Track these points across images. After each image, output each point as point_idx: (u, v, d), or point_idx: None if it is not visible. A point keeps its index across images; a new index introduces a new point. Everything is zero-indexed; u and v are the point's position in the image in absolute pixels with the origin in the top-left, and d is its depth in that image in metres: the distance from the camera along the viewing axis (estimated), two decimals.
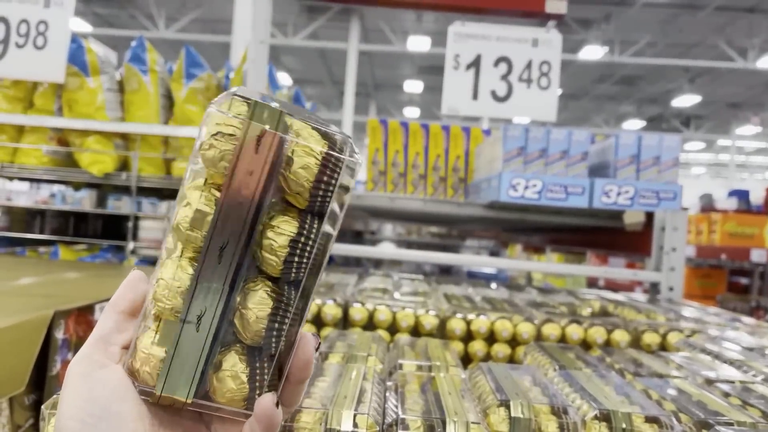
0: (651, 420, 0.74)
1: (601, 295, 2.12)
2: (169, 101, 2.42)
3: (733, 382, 0.95)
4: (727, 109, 15.85)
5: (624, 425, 0.73)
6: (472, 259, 2.81)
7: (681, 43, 11.81)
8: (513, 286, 2.17)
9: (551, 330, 1.40)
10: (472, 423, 0.68)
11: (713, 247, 6.11)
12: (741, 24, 10.68)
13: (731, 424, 0.73)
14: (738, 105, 15.44)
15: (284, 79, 13.81)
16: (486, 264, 2.69)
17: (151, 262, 2.38)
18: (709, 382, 0.94)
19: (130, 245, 2.36)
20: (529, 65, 2.35)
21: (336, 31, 11.37)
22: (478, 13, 2.53)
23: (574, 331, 1.40)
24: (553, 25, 2.33)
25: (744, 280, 6.77)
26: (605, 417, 0.74)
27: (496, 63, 2.34)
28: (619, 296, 2.18)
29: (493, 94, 2.38)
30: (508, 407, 0.74)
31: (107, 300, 1.46)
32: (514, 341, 1.39)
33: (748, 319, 1.72)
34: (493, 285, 2.14)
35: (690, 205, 8.91)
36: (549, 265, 4.43)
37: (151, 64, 2.33)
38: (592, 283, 6.72)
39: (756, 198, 7.95)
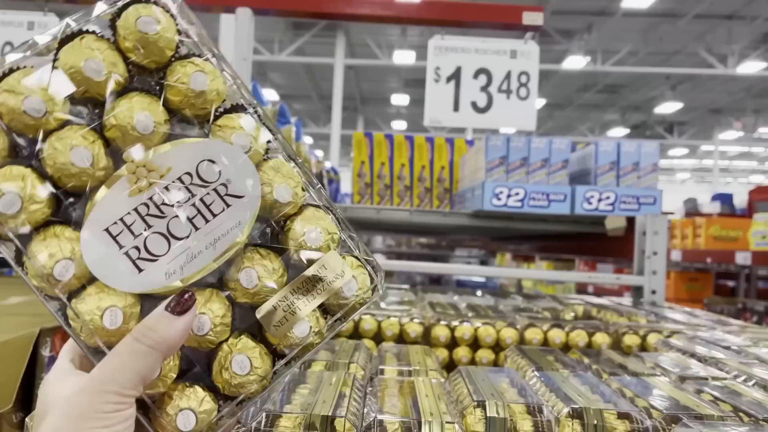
0: (622, 416, 0.76)
1: (585, 300, 2.15)
2: None
3: (706, 378, 0.97)
4: (709, 114, 16.06)
5: (596, 422, 0.75)
6: (458, 267, 2.83)
7: (662, 52, 11.99)
8: (499, 294, 2.20)
9: (534, 334, 1.42)
10: (447, 423, 0.70)
11: (699, 251, 6.17)
12: (720, 31, 10.87)
13: (700, 418, 0.76)
14: (719, 110, 15.65)
15: (271, 95, 13.86)
16: (472, 272, 2.72)
17: None
18: (683, 380, 0.96)
19: None
20: (508, 76, 2.40)
21: (322, 47, 11.45)
22: (459, 27, 2.58)
23: (556, 335, 1.42)
24: (530, 37, 2.37)
25: (730, 283, 6.84)
26: (578, 414, 0.76)
27: (476, 75, 2.38)
28: (603, 300, 2.21)
29: (474, 106, 2.42)
30: (484, 407, 0.76)
31: None
32: (497, 347, 1.41)
33: (733, 321, 1.75)
34: (479, 292, 2.16)
35: (675, 210, 9.00)
36: (533, 271, 4.46)
37: None
38: (581, 290, 6.76)
39: (739, 201, 8.05)
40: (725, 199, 8.13)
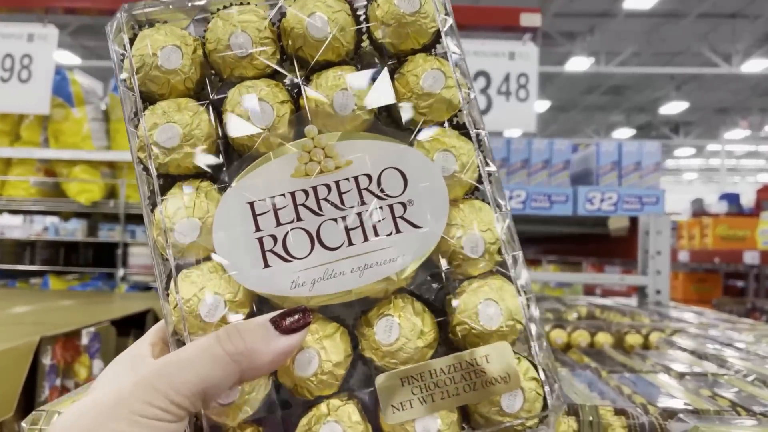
0: (619, 412, 0.76)
1: (589, 301, 2.14)
2: None
3: (705, 375, 0.96)
4: (714, 114, 15.98)
5: (591, 418, 0.74)
6: None
7: (665, 52, 11.95)
8: None
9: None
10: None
11: (707, 251, 6.13)
12: (724, 30, 10.82)
13: (696, 413, 0.75)
14: (725, 110, 15.57)
15: None
16: None
17: (142, 288, 2.39)
18: (682, 376, 0.96)
19: (120, 272, 2.37)
20: (507, 78, 2.40)
21: None
22: (457, 29, 2.58)
23: (558, 336, 1.42)
24: (529, 38, 2.37)
25: (739, 283, 6.78)
26: (574, 411, 0.76)
27: (475, 77, 2.38)
28: (607, 301, 2.20)
29: None
30: None
31: (95, 325, 1.47)
32: None
33: (738, 319, 1.74)
34: None
35: (682, 211, 8.95)
36: (536, 273, 4.44)
37: None
38: (589, 293, 6.73)
39: (747, 201, 8.01)
40: (732, 198, 8.08)
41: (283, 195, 0.40)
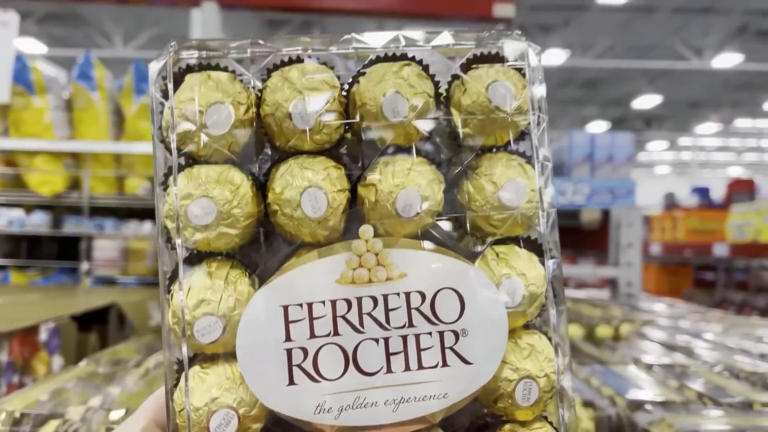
0: (587, 404, 0.74)
1: None
2: (119, 118, 2.39)
3: (672, 366, 0.96)
4: (686, 108, 16.22)
5: None
6: None
7: (639, 46, 12.08)
8: None
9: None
10: None
11: (677, 244, 6.22)
12: (696, 25, 10.97)
13: (663, 404, 0.74)
14: (697, 104, 15.81)
15: None
16: None
17: (106, 282, 2.33)
18: (650, 367, 0.95)
19: (84, 266, 2.31)
20: None
21: None
22: (431, 19, 2.56)
23: None
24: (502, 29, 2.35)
25: (709, 275, 6.89)
26: None
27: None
28: (579, 293, 2.20)
29: None
30: None
31: (54, 320, 1.41)
32: None
33: (707, 311, 1.75)
34: None
35: (655, 204, 9.07)
36: None
37: (99, 81, 2.29)
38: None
39: (717, 194, 8.14)
40: (703, 192, 8.21)
41: (323, 303, 0.35)
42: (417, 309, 0.36)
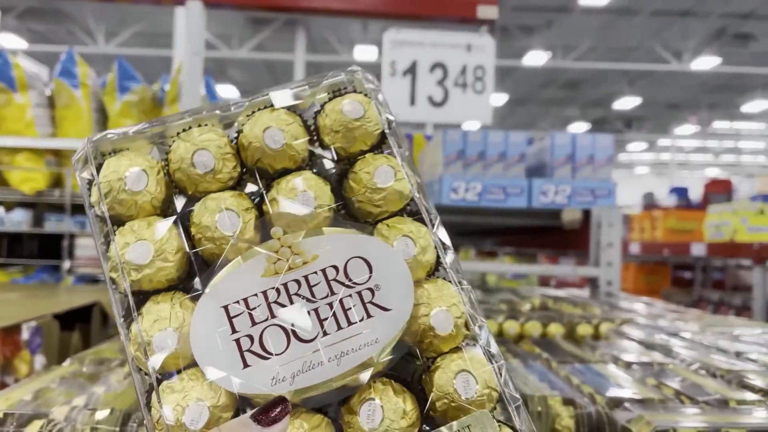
0: (567, 402, 0.76)
1: (542, 293, 2.17)
2: (102, 115, 2.37)
3: (651, 364, 0.98)
4: (665, 110, 16.43)
5: (540, 408, 0.74)
6: None
7: (620, 48, 12.21)
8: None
9: (489, 326, 1.42)
10: None
11: (656, 244, 6.31)
12: (675, 28, 11.12)
13: (641, 402, 0.76)
14: (676, 106, 16.03)
15: (230, 91, 13.69)
16: None
17: (89, 280, 2.32)
18: (629, 366, 0.97)
19: (66, 264, 2.29)
20: (463, 70, 2.40)
21: (282, 43, 11.35)
22: (415, 20, 2.57)
23: (511, 326, 1.43)
24: (486, 30, 2.38)
25: (687, 274, 7.00)
26: (523, 402, 0.76)
27: (432, 69, 2.38)
28: (560, 292, 2.23)
29: (430, 100, 2.41)
30: None
31: (36, 319, 1.40)
32: None
33: (684, 310, 1.78)
34: None
35: (634, 204, 9.19)
36: (489, 264, 4.50)
37: (82, 78, 2.28)
38: (544, 283, 6.85)
39: (695, 195, 8.27)
40: (681, 192, 8.33)
41: (256, 295, 0.42)
42: (334, 279, 0.43)
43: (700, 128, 17.02)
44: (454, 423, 0.41)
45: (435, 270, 0.47)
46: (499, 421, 0.42)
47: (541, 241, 3.19)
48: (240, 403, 0.40)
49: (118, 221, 0.45)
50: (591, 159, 2.48)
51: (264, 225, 0.45)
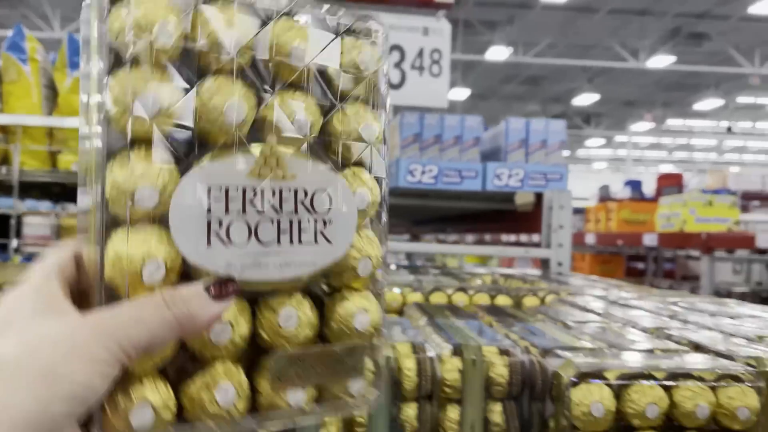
0: (503, 352, 0.79)
1: (494, 271, 2.22)
2: (52, 92, 2.32)
3: (587, 322, 1.02)
4: (622, 106, 16.83)
5: (475, 357, 0.77)
6: None
7: (579, 45, 12.44)
8: (419, 272, 2.23)
9: (438, 298, 1.45)
10: None
11: (611, 234, 6.47)
12: (632, 26, 11.38)
13: (572, 349, 0.80)
14: (632, 103, 16.43)
15: None
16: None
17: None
18: (566, 325, 1.01)
19: (14, 243, 2.24)
20: (420, 53, 2.42)
21: None
22: (373, 2, 2.58)
23: (460, 299, 1.46)
24: (443, 15, 2.40)
25: (640, 265, 7.20)
26: (459, 351, 0.78)
27: (390, 51, 2.40)
28: (511, 271, 2.28)
29: (387, 81, 2.43)
30: None
31: None
32: (403, 313, 1.43)
33: (628, 284, 1.84)
34: (393, 266, 2.18)
35: (591, 197, 9.39)
36: (442, 246, 4.55)
37: (30, 53, 2.22)
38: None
39: (648, 189, 8.50)
40: (635, 185, 8.56)
41: (236, 188, 0.45)
42: (301, 202, 0.48)
43: (654, 125, 17.47)
44: (340, 344, 0.49)
45: (371, 223, 0.52)
46: (370, 353, 0.51)
47: (494, 225, 3.25)
48: (183, 272, 0.44)
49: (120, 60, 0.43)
50: (544, 144, 2.54)
51: (260, 127, 0.47)
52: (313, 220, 0.48)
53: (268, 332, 0.46)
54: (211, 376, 0.44)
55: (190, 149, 0.45)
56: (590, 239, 6.71)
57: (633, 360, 0.76)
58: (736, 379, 0.72)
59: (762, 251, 5.08)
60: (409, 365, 0.77)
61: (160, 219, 0.43)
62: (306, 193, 0.48)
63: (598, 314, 1.14)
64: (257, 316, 0.47)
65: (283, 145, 0.47)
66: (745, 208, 7.19)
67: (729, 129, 16.85)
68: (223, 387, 0.44)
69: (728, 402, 0.71)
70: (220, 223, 0.44)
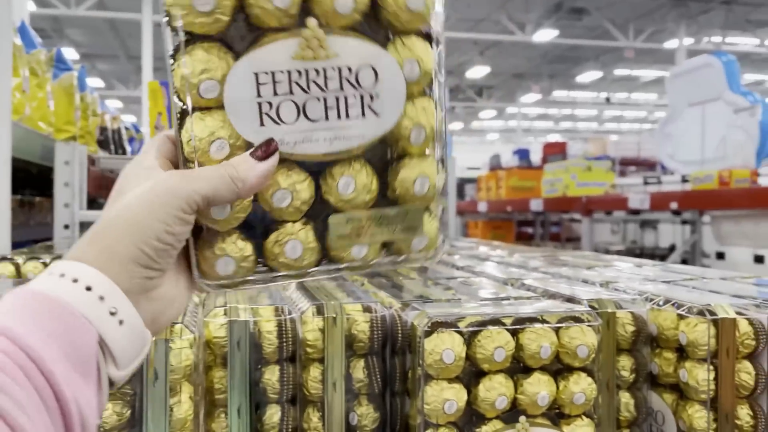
0: (366, 309, 0.80)
1: None
2: None
3: (454, 278, 1.06)
4: (512, 79, 17.46)
5: (335, 314, 0.78)
6: None
7: (470, 18, 12.73)
8: None
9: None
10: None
11: (500, 201, 6.75)
12: (519, 0, 11.78)
13: (428, 301, 0.82)
14: (521, 75, 17.07)
15: (69, 53, 12.56)
16: None
17: None
18: (434, 282, 1.04)
19: None
20: None
21: (127, 1, 10.56)
22: None
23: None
24: None
25: (529, 230, 7.57)
26: (320, 310, 0.79)
27: None
28: None
29: None
30: (226, 312, 0.76)
31: None
32: None
33: (506, 245, 1.93)
34: None
35: (482, 166, 9.72)
36: None
37: None
38: None
39: (536, 157, 8.91)
40: (523, 153, 8.95)
41: (282, 72, 0.49)
42: (346, 79, 0.51)
43: (541, 97, 18.28)
44: (400, 207, 0.53)
45: (424, 92, 0.54)
46: (430, 212, 0.54)
47: None
48: (248, 148, 0.50)
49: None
50: None
51: (305, 9, 0.49)
52: (359, 95, 0.51)
53: (331, 197, 0.52)
54: (282, 234, 0.51)
55: (243, 40, 0.50)
56: (482, 207, 6.96)
57: (485, 309, 0.80)
58: (577, 320, 0.77)
59: (635, 212, 5.48)
60: (269, 328, 0.77)
61: (220, 107, 0.50)
62: (350, 70, 0.50)
63: (468, 271, 1.19)
64: (321, 183, 0.52)
65: (328, 23, 0.50)
66: (623, 173, 7.70)
67: (607, 99, 17.93)
68: (291, 243, 0.51)
69: (569, 342, 0.76)
70: (270, 105, 0.49)
